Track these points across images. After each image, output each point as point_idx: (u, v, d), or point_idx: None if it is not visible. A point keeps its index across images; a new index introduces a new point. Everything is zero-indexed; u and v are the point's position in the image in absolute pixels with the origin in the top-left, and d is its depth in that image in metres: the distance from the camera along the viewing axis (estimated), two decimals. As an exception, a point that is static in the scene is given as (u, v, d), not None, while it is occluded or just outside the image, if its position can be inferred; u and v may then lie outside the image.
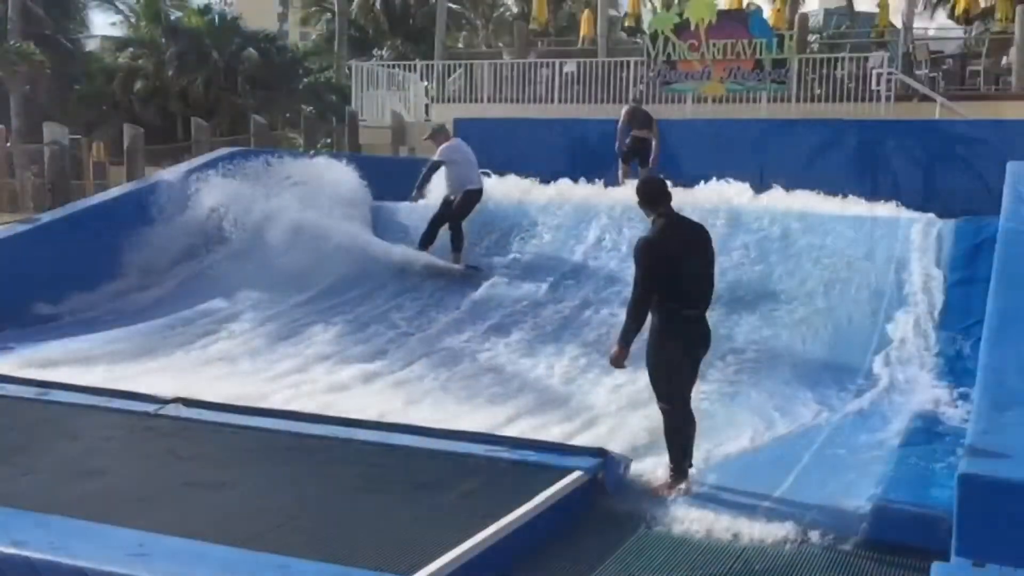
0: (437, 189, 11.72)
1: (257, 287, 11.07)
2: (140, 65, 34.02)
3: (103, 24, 44.70)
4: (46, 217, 11.68)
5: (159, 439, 6.29)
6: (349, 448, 6.07)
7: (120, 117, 30.22)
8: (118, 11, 37.92)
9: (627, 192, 9.95)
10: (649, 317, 5.77)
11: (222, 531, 4.61)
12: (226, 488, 5.40)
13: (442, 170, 11.43)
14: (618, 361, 5.86)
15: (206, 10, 36.46)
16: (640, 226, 8.76)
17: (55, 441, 6.20)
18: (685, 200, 8.98)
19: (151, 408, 6.74)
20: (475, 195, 11.34)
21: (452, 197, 11.34)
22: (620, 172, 13.23)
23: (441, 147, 11.40)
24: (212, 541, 4.43)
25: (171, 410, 6.72)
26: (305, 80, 34.66)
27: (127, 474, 5.58)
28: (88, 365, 8.58)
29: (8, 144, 23.77)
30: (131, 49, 35.19)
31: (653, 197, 5.93)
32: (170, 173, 12.43)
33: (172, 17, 35.65)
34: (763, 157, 12.70)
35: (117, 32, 38.54)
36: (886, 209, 11.25)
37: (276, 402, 7.39)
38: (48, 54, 31.13)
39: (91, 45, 37.65)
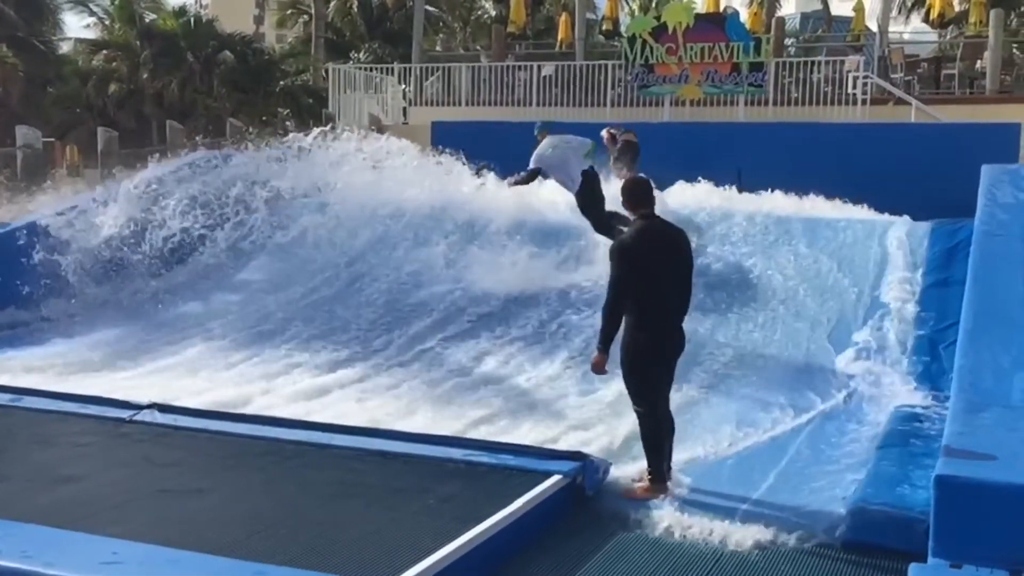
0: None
1: (236, 290, 11.03)
2: (114, 68, 33.76)
3: (77, 26, 44.29)
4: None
5: (134, 445, 6.22)
6: (326, 454, 6.03)
7: (94, 120, 29.98)
8: (92, 13, 37.60)
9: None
10: (624, 320, 5.76)
11: (198, 538, 4.57)
12: (202, 495, 5.35)
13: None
14: (599, 367, 5.85)
15: (181, 12, 36.20)
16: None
17: (28, 448, 6.13)
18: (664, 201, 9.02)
19: (126, 414, 6.67)
20: (587, 184, 10.61)
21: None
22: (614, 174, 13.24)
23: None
24: (187, 548, 4.38)
25: (146, 416, 6.66)
26: (282, 83, 34.48)
27: (101, 481, 5.52)
28: (62, 371, 8.52)
29: (-20, 147, 23.49)
30: (105, 51, 34.91)
31: (636, 198, 5.91)
32: None
33: (147, 19, 35.36)
34: (741, 159, 12.72)
35: (91, 34, 38.26)
36: (863, 212, 11.32)
37: (253, 408, 7.34)
38: (20, 56, 30.86)
39: (65, 48, 37.29)
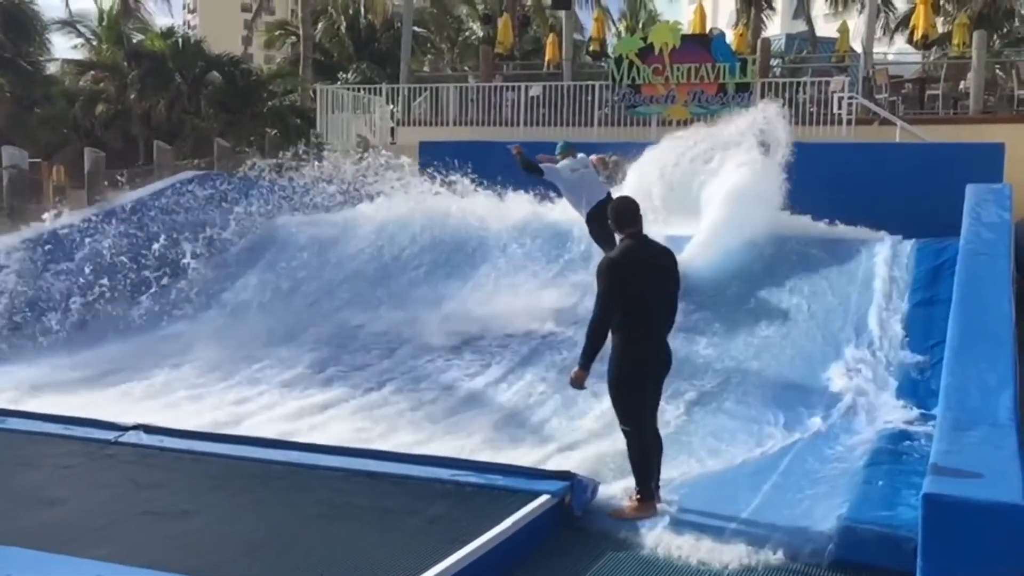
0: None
1: (222, 309, 11.01)
2: (102, 88, 33.72)
3: (64, 47, 44.26)
4: None
5: (119, 467, 6.18)
6: (314, 474, 6.00)
7: (81, 140, 29.90)
8: (80, 34, 37.56)
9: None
10: (610, 339, 5.77)
11: (184, 561, 4.53)
12: (188, 517, 5.31)
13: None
14: (578, 382, 5.86)
15: (169, 33, 36.19)
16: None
17: (12, 470, 6.08)
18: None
19: (111, 435, 6.63)
20: (594, 219, 10.23)
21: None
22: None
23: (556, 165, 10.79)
24: (173, 571, 4.34)
25: (132, 437, 6.61)
26: (270, 103, 34.47)
27: (86, 503, 5.47)
28: (48, 391, 8.48)
29: (-34, 168, 23.37)
30: (93, 72, 34.88)
31: (623, 217, 5.93)
32: None
33: (135, 40, 35.37)
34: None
35: (79, 55, 38.20)
36: (849, 231, 11.35)
37: (239, 428, 7.31)
38: (7, 77, 30.78)
39: (52, 68, 37.23)
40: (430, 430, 7.55)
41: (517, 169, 10.94)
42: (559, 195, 11.28)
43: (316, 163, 13.37)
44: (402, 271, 11.60)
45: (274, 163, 13.43)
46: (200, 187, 13.26)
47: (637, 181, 11.20)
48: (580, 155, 10.91)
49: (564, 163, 10.74)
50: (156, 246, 11.94)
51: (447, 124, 19.64)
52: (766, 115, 11.81)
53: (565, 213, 11.41)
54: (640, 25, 38.06)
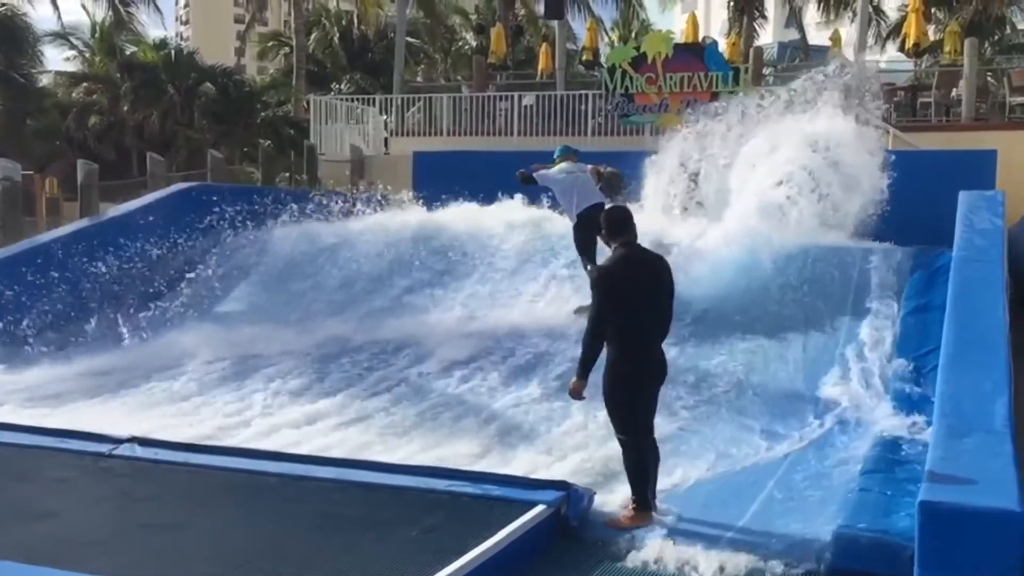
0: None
1: (216, 320, 10.98)
2: (95, 100, 33.78)
3: (57, 59, 44.16)
4: None
5: (113, 480, 6.15)
6: (308, 486, 5.98)
7: (74, 152, 29.93)
8: (72, 47, 37.59)
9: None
10: (606, 348, 5.77)
11: (178, 574, 4.51)
12: (182, 529, 5.28)
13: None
14: (576, 392, 5.86)
15: (162, 45, 36.27)
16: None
17: (5, 483, 6.05)
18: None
19: (105, 448, 6.59)
20: (581, 224, 10.08)
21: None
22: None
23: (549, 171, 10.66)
24: (167, 584, 4.33)
25: (126, 450, 6.58)
26: (263, 114, 34.54)
27: (80, 517, 5.45)
28: (40, 403, 8.44)
29: (-41, 180, 23.31)
30: (86, 84, 34.94)
31: (615, 226, 5.94)
32: None
33: (127, 52, 35.42)
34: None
35: (71, 67, 38.25)
36: (843, 238, 11.36)
37: (235, 440, 7.28)
38: (0, 89, 30.75)
39: (45, 80, 37.24)
40: (425, 440, 7.53)
41: (512, 179, 10.94)
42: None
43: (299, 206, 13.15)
44: (398, 281, 11.58)
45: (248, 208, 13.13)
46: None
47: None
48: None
49: (559, 166, 10.69)
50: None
51: (441, 134, 19.68)
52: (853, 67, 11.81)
53: (562, 223, 11.42)
54: (633, 34, 38.11)
